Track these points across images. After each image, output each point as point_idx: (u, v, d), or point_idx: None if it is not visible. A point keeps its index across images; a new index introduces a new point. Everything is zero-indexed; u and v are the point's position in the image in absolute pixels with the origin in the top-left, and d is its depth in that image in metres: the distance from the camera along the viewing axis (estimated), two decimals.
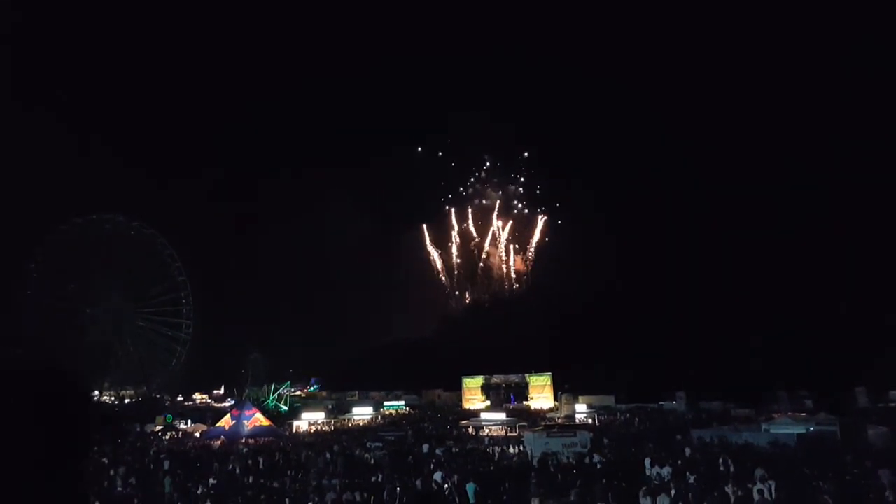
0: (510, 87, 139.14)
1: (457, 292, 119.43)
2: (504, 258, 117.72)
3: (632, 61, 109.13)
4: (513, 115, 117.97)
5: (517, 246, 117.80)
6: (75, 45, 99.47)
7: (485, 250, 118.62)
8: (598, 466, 20.40)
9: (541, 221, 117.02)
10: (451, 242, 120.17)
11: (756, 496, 13.90)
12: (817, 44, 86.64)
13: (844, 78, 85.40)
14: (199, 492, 18.53)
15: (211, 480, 20.40)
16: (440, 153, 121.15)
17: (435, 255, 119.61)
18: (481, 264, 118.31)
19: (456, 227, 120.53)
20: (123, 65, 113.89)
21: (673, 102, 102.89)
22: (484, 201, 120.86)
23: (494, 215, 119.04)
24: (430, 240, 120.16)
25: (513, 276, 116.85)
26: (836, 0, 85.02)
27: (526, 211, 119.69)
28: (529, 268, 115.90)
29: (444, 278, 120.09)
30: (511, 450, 29.61)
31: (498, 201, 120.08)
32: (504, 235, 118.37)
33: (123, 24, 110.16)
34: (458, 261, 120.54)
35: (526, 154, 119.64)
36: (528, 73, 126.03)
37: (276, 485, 19.36)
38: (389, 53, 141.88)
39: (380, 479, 18.96)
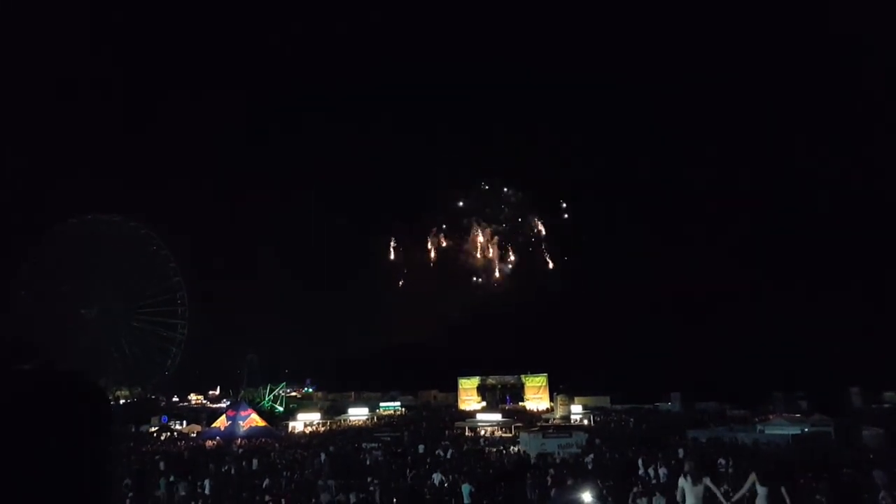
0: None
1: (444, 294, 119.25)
2: (487, 257, 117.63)
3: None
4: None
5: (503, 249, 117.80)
6: (72, 44, 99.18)
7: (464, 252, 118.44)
8: (591, 467, 20.41)
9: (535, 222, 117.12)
10: (429, 243, 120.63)
11: (749, 496, 13.91)
12: None
13: None
14: (193, 493, 18.45)
15: (206, 481, 20.33)
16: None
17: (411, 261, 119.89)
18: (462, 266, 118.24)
19: (432, 231, 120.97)
20: (122, 63, 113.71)
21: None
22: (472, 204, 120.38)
23: (472, 220, 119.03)
24: (405, 243, 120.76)
25: (497, 276, 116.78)
26: None
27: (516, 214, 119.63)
28: (511, 268, 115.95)
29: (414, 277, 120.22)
30: (507, 451, 29.57)
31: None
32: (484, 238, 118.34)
33: (122, 23, 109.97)
34: (434, 257, 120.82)
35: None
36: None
37: (271, 486, 19.30)
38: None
39: (375, 481, 18.92)
